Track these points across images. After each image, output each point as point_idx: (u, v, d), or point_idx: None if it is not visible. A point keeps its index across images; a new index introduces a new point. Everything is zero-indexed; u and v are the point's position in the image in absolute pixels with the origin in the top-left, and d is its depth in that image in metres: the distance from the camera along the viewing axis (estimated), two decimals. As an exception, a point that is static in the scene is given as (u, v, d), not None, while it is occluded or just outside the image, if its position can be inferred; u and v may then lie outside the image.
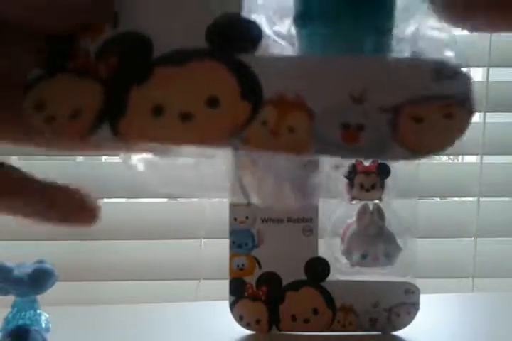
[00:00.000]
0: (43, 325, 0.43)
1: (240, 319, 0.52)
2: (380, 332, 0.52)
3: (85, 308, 0.61)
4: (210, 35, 0.18)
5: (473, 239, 0.73)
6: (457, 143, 0.18)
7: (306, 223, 0.51)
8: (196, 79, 0.18)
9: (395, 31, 0.19)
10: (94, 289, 0.72)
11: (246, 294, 0.52)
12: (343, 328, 0.52)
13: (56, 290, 0.43)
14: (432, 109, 0.18)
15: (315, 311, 0.52)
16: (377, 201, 0.51)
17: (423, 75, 0.18)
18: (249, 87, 0.18)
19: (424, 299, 0.51)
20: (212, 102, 0.18)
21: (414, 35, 0.19)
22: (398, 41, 0.19)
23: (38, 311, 0.43)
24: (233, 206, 0.51)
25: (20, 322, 0.43)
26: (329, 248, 0.52)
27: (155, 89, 0.18)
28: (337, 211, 0.53)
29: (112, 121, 0.18)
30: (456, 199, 0.79)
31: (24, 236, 0.70)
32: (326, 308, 0.52)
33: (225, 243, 0.52)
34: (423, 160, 0.84)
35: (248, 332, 0.52)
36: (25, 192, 0.20)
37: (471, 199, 0.74)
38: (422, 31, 0.19)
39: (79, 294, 0.70)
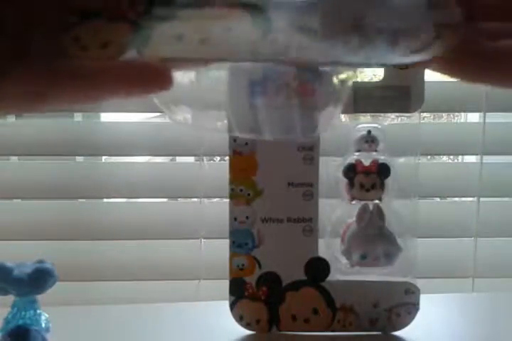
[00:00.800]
0: (43, 325, 0.43)
1: (240, 319, 0.52)
2: (380, 332, 0.52)
3: (85, 308, 0.61)
4: None
5: (473, 239, 0.73)
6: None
7: (306, 223, 0.51)
8: (214, 17, 0.21)
9: None
10: (94, 289, 0.72)
11: (246, 294, 0.52)
12: (343, 328, 0.52)
13: (56, 290, 0.43)
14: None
15: (315, 311, 0.52)
16: (377, 201, 0.51)
17: (418, 4, 0.22)
18: (261, 16, 0.21)
19: (424, 299, 0.51)
20: (228, 29, 0.21)
21: None
22: None
23: (38, 311, 0.43)
24: (233, 206, 0.51)
25: (20, 322, 0.42)
26: (329, 248, 0.52)
27: (177, 25, 0.21)
28: (337, 211, 0.53)
29: (138, 49, 0.21)
30: (456, 199, 0.79)
31: (24, 236, 0.70)
32: (326, 308, 0.52)
33: (225, 243, 0.52)
34: (423, 160, 0.84)
35: (248, 332, 0.52)
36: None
37: (471, 199, 0.74)
38: None
39: (79, 294, 0.70)
